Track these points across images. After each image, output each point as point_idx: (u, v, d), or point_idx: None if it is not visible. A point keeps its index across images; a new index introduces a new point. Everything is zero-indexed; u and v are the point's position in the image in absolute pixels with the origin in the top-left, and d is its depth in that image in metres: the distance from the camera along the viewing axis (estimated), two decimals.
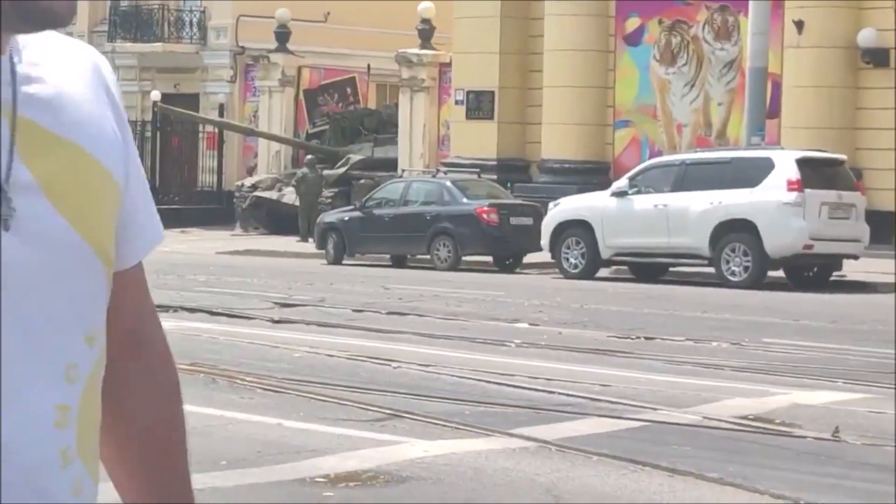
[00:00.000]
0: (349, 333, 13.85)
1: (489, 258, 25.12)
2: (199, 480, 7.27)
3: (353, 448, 8.28)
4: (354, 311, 16.04)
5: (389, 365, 11.64)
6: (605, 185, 28.08)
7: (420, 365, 11.64)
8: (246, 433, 8.73)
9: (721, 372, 11.55)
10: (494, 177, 29.00)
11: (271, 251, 28.63)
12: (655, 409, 9.62)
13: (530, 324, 14.90)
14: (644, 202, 22.01)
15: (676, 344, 13.42)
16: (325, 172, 32.43)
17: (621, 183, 22.46)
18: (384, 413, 9.45)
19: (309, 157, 31.88)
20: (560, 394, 10.24)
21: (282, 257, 27.73)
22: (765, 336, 13.97)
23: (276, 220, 33.59)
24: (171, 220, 35.66)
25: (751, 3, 24.22)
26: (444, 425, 9.04)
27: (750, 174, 20.97)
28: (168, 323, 13.69)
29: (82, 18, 40.07)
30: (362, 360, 11.91)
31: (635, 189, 22.21)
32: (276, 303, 16.78)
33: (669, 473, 7.59)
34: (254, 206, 33.99)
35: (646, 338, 13.81)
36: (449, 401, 9.96)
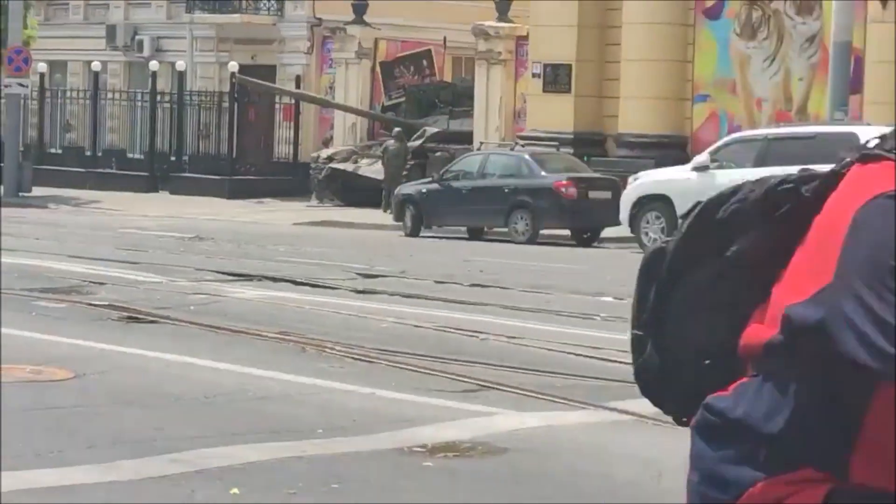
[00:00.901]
0: (433, 304, 13.81)
1: (566, 232, 24.99)
2: (297, 448, 7.28)
3: (448, 418, 8.23)
4: (436, 282, 15.99)
5: (476, 336, 11.58)
6: (682, 160, 27.81)
7: (507, 337, 11.58)
8: (339, 402, 8.71)
9: None
10: (570, 151, 28.81)
11: (348, 222, 28.63)
12: None
13: (615, 297, 14.77)
14: (725, 177, 21.67)
15: None
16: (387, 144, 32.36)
17: (702, 157, 22.23)
18: (475, 384, 9.40)
19: (396, 129, 31.80)
20: None
21: (358, 229, 27.71)
22: None
23: (351, 191, 33.55)
24: (248, 190, 35.82)
25: None
26: (537, 397, 8.97)
27: (834, 149, 20.58)
28: (253, 292, 13.82)
29: None
30: (449, 332, 11.86)
31: (716, 164, 21.99)
32: (358, 273, 16.76)
33: None
34: (329, 178, 33.99)
35: None
36: (539, 373, 9.89)
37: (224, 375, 9.48)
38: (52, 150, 40.93)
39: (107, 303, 13.03)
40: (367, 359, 10.30)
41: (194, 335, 11.36)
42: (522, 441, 7.66)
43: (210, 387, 9.03)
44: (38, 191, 35.17)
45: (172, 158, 37.98)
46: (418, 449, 7.41)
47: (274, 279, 15.68)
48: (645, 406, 8.52)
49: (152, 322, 12.04)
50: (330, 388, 9.09)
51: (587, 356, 10.70)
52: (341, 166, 33.83)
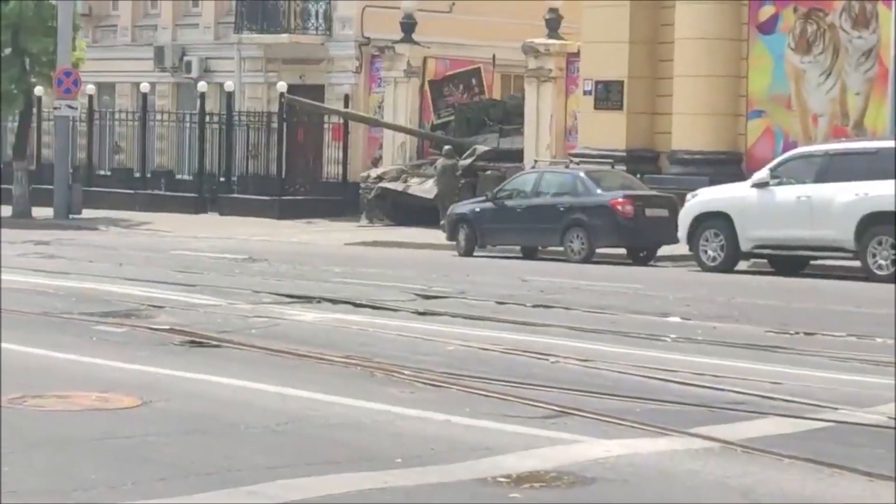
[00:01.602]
0: (497, 326, 13.54)
1: (622, 250, 24.68)
2: (377, 479, 7.01)
3: (529, 447, 7.96)
4: (498, 303, 15.73)
5: (546, 359, 11.30)
6: (737, 177, 27.48)
7: (577, 360, 11.29)
8: (414, 429, 8.44)
9: (891, 369, 11.05)
10: (623, 168, 28.52)
11: (400, 242, 28.44)
12: (836, 408, 9.17)
13: (682, 318, 14.48)
14: (786, 193, 21.45)
15: (839, 340, 12.92)
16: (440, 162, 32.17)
17: (762, 174, 21.90)
18: (552, 410, 9.11)
19: (447, 147, 31.59)
20: (731, 391, 9.83)
21: (411, 248, 27.52)
22: None
23: (401, 211, 33.40)
24: (297, 210, 35.74)
25: None
26: (619, 423, 8.68)
27: None
28: (313, 314, 13.58)
29: (208, 10, 40.24)
30: (517, 354, 11.59)
31: (777, 180, 21.66)
32: (416, 294, 16.52)
33: (868, 478, 7.17)
34: (379, 198, 33.83)
35: (805, 333, 13.32)
36: (616, 397, 9.60)
37: (292, 402, 9.24)
38: (101, 172, 41.00)
39: (168, 327, 12.84)
40: (438, 383, 10.04)
41: (258, 360, 11.13)
42: (609, 470, 7.37)
43: (279, 414, 8.79)
44: (87, 213, 35.17)
45: (221, 179, 37.93)
46: (502, 479, 7.13)
47: (333, 301, 15.45)
48: (731, 432, 8.21)
49: (215, 346, 11.83)
50: (403, 415, 8.82)
51: (663, 379, 10.39)
52: (391, 185, 33.65)
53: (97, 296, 15.54)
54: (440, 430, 8.44)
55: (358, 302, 15.36)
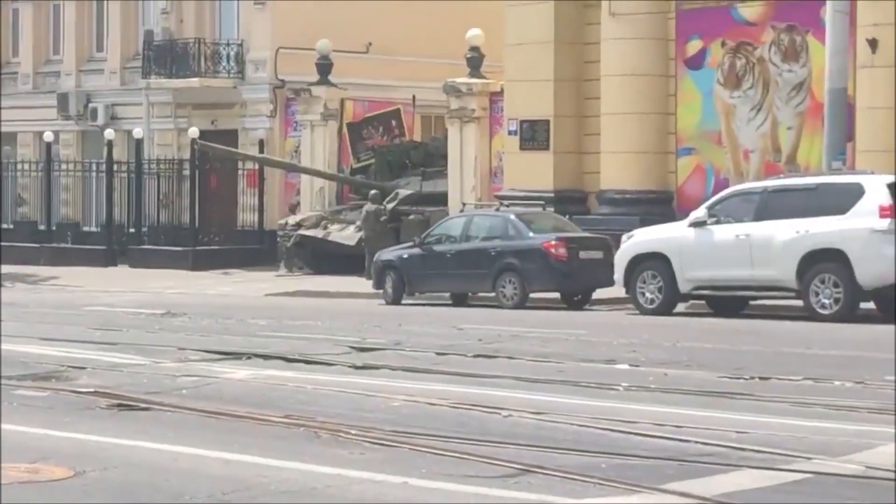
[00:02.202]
0: (441, 378, 13.29)
1: (556, 295, 24.55)
2: None
3: None
4: (438, 353, 15.49)
5: (499, 413, 11.05)
6: (668, 216, 27.52)
7: (531, 413, 11.05)
8: (372, 494, 8.16)
9: (858, 414, 10.93)
10: (551, 209, 28.42)
11: (323, 291, 28.14)
12: (809, 458, 9.00)
13: (630, 364, 14.32)
14: (725, 232, 21.43)
15: (794, 384, 12.80)
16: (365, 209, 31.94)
17: (699, 213, 21.88)
18: (513, 468, 8.86)
19: (373, 191, 31.35)
20: (696, 442, 9.64)
21: (336, 297, 27.22)
22: (886, 373, 13.32)
23: (321, 259, 33.10)
24: (212, 261, 35.27)
25: (827, 21, 23.66)
26: (585, 481, 8.45)
27: (838, 201, 20.37)
28: (245, 371, 13.21)
29: (114, 55, 39.77)
30: (466, 409, 11.33)
31: (714, 219, 21.64)
32: (350, 346, 16.24)
33: None
34: (298, 245, 33.51)
35: (760, 377, 13.19)
36: (578, 453, 9.37)
37: (237, 468, 8.92)
38: (4, 226, 40.27)
39: (92, 389, 12.44)
40: (388, 443, 9.75)
41: (193, 423, 10.78)
42: None
43: (225, 481, 8.46)
44: None
45: (131, 230, 37.42)
46: None
47: (264, 357, 15.12)
48: (706, 487, 7.97)
49: (145, 409, 11.45)
50: (358, 479, 8.52)
51: (624, 431, 10.18)
52: (311, 233, 33.36)
53: (13, 357, 15.07)
54: (399, 493, 8.16)
55: (290, 357, 15.04)
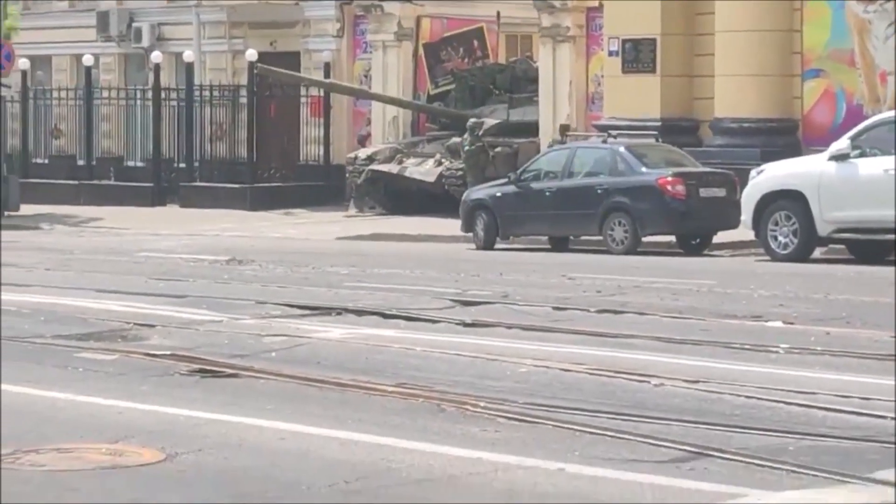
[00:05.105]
0: (568, 339, 12.70)
1: (671, 238, 23.93)
2: None
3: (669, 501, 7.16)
4: (555, 308, 14.88)
5: (648, 381, 10.46)
6: (793, 147, 26.87)
7: (685, 381, 10.45)
8: (524, 483, 7.61)
9: None
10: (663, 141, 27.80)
11: (401, 234, 27.66)
12: None
13: (784, 322, 13.66)
14: (871, 166, 20.75)
15: None
16: (454, 140, 31.37)
17: (841, 144, 21.18)
18: (684, 451, 8.27)
19: (472, 120, 30.76)
20: (893, 418, 9.01)
21: (416, 241, 26.72)
22: None
23: (395, 197, 32.59)
24: (272, 200, 34.91)
25: None
26: (774, 467, 7.84)
27: None
28: (339, 330, 12.63)
29: None
30: (609, 376, 10.75)
31: (858, 151, 20.96)
32: (452, 300, 15.68)
33: None
34: (370, 183, 32.98)
35: None
36: (757, 432, 8.77)
37: (356, 449, 8.38)
38: (38, 161, 40.09)
39: (168, 352, 11.95)
40: (526, 419, 9.18)
41: (292, 393, 10.26)
42: None
43: (345, 467, 7.93)
44: (25, 209, 34.26)
45: (181, 165, 37.08)
46: None
47: (356, 312, 14.60)
48: None
49: (232, 376, 10.95)
50: (503, 464, 7.96)
51: (800, 404, 9.57)
52: (384, 168, 32.81)
53: (69, 313, 14.64)
54: (558, 482, 7.60)
55: (387, 312, 14.50)
